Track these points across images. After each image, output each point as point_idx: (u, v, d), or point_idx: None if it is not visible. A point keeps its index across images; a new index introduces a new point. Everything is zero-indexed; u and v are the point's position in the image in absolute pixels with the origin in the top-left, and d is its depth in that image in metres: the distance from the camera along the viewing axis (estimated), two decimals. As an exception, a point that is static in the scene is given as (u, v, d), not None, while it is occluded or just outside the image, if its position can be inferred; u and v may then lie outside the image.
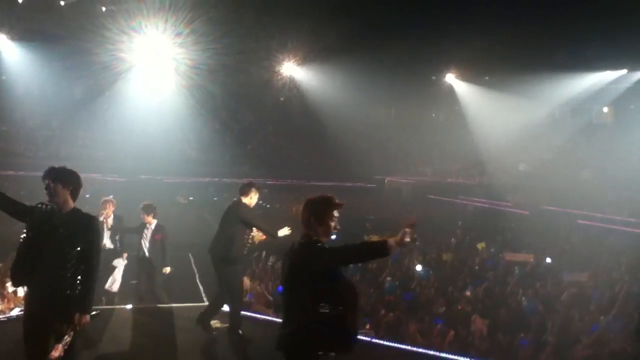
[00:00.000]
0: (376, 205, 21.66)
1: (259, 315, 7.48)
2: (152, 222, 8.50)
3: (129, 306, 7.69)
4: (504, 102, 26.85)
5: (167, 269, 8.47)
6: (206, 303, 8.57)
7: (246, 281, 8.73)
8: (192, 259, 12.00)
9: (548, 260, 11.17)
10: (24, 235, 3.89)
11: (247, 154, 26.48)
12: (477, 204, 21.73)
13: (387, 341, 6.50)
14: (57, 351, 3.85)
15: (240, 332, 6.24)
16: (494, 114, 28.04)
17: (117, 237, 8.49)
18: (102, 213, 8.29)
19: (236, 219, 6.25)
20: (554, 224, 15.91)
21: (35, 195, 16.97)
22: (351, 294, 3.50)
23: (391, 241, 3.23)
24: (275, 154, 27.31)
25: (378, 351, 6.05)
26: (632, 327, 6.93)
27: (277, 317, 7.25)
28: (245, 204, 6.35)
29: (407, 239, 3.22)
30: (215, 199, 20.98)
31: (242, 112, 29.56)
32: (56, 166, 4.20)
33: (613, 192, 19.97)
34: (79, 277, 3.85)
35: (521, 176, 24.59)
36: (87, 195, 8.25)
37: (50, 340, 3.86)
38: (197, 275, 10.82)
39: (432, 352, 6.12)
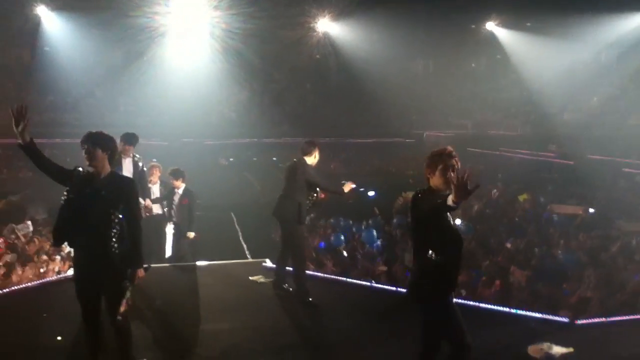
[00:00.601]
0: (415, 160, 21.52)
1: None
2: (181, 187, 8.45)
3: (176, 264, 7.94)
4: (546, 48, 25.91)
5: (192, 234, 8.35)
6: (250, 260, 8.88)
7: None
8: (234, 219, 12.32)
9: (591, 210, 10.97)
10: (65, 197, 4.01)
11: (285, 113, 26.55)
12: (519, 155, 21.32)
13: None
14: (123, 307, 4.06)
15: (309, 299, 6.13)
16: (537, 61, 27.14)
17: (164, 203, 8.47)
18: (150, 179, 8.26)
19: (302, 179, 6.20)
20: (600, 174, 15.53)
21: (81, 162, 17.69)
22: (459, 243, 3.74)
23: (449, 199, 3.33)
24: (313, 113, 27.25)
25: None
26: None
27: (318, 272, 7.44)
28: (309, 164, 6.30)
29: (463, 193, 3.26)
30: (255, 159, 21.29)
31: (278, 72, 29.45)
32: (93, 131, 4.33)
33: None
34: (125, 236, 4.00)
35: (565, 125, 23.90)
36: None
37: (100, 298, 4.08)
38: (240, 234, 11.13)
39: (474, 303, 6.18)
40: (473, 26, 29.48)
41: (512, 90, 28.04)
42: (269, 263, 7.66)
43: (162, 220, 8.49)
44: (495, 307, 5.98)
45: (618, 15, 22.93)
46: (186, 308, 6.05)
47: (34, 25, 24.28)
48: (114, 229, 3.94)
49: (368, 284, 6.96)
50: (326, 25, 28.03)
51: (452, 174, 3.49)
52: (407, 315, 5.85)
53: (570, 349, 4.58)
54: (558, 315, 5.63)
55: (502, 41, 29.10)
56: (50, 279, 7.27)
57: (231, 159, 20.67)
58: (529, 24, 27.60)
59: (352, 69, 28.49)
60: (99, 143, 4.13)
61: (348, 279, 7.18)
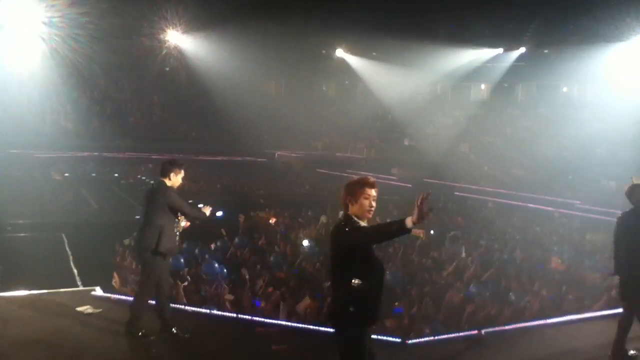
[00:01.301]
0: (267, 179, 21.55)
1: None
2: None
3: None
4: (389, 76, 27.73)
5: None
6: (80, 287, 8.04)
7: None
8: (65, 241, 11.18)
9: (431, 232, 11.65)
10: None
11: (129, 126, 25.16)
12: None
13: (273, 319, 6.46)
14: None
15: (174, 330, 5.59)
16: (381, 89, 28.94)
17: None
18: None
19: (163, 203, 5.56)
20: (434, 196, 16.71)
21: None
22: (380, 270, 3.78)
23: (408, 220, 3.43)
24: (161, 127, 26.22)
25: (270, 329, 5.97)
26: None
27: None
28: (169, 186, 5.64)
29: (422, 215, 3.41)
30: (93, 174, 19.78)
31: (123, 81, 27.96)
32: None
33: (487, 165, 21.47)
34: None
35: (406, 150, 25.63)
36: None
37: None
38: (71, 258, 10.11)
39: (322, 329, 6.14)
40: (324, 51, 30.62)
41: (358, 115, 29.47)
42: (99, 291, 6.97)
43: None
44: (322, 329, 5.98)
45: (454, 50, 25.27)
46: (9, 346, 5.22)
47: None
48: None
49: (207, 311, 6.61)
50: (177, 38, 27.21)
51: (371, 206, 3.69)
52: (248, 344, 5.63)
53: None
54: (390, 335, 5.79)
55: (350, 67, 30.60)
56: None
57: (66, 174, 18.95)
58: (374, 53, 29.35)
59: (203, 84, 27.95)
60: None
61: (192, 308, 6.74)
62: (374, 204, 3.76)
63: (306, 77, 31.79)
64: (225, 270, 9.08)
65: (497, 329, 6.12)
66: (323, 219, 12.91)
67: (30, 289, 6.93)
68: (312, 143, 28.64)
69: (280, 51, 27.91)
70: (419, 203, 3.44)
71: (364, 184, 3.81)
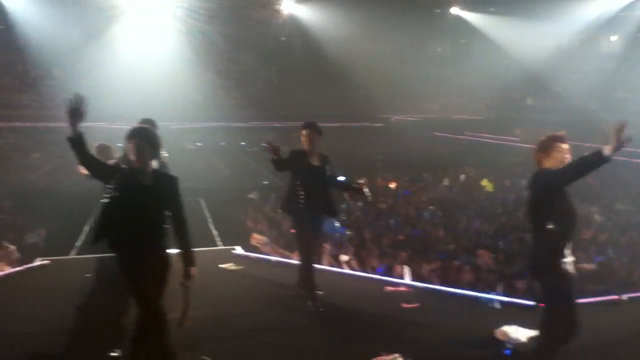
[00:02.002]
0: (383, 144, 21.67)
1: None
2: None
3: None
4: (510, 33, 26.33)
5: None
6: (220, 247, 8.82)
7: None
8: (203, 204, 12.17)
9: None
10: (110, 195, 3.88)
11: (250, 96, 26.32)
12: (484, 139, 21.70)
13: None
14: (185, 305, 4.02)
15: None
16: (501, 46, 27.60)
17: None
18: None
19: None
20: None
21: (46, 146, 17.05)
22: (574, 217, 3.94)
23: (605, 149, 3.54)
24: (279, 96, 27.10)
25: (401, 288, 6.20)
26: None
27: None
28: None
29: (620, 144, 3.52)
30: (222, 143, 21.03)
31: (243, 54, 29.13)
32: (140, 126, 4.23)
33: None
34: (177, 234, 3.95)
35: (529, 110, 24.43)
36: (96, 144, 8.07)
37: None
38: (209, 221, 11.01)
39: (442, 288, 6.31)
40: (438, 10, 29.75)
41: (476, 75, 28.43)
42: (239, 250, 7.63)
43: None
44: (463, 292, 6.12)
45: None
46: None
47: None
48: (163, 227, 3.90)
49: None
50: (291, 7, 27.82)
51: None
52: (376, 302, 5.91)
53: (536, 332, 4.73)
54: (524, 299, 5.80)
55: (466, 25, 29.47)
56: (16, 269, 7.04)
57: (198, 143, 20.40)
58: (492, 8, 28.00)
59: (318, 51, 28.38)
60: (149, 139, 3.96)
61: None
62: (567, 156, 3.93)
63: (420, 38, 31.07)
64: (347, 232, 9.45)
65: (637, 294, 5.96)
66: (445, 181, 12.90)
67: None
68: (428, 106, 28.18)
69: (393, 14, 27.53)
70: (615, 132, 3.50)
71: (555, 139, 3.99)
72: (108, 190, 3.91)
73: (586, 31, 26.15)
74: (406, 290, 6.13)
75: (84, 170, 4.26)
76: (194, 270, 4.04)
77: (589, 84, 24.11)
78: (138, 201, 3.84)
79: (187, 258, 4.02)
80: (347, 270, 7.10)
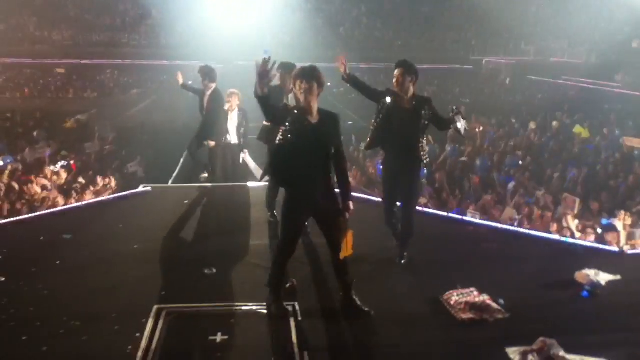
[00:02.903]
0: (473, 88, 21.03)
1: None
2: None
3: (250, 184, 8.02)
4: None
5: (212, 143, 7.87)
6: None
7: None
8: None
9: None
10: (283, 135, 4.01)
11: (339, 36, 26.14)
12: (582, 85, 20.47)
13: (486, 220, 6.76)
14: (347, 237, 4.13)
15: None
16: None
17: (242, 132, 8.11)
18: (227, 105, 8.00)
19: None
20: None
21: (143, 82, 18.04)
22: None
23: None
24: (368, 36, 26.73)
25: (481, 230, 6.26)
26: None
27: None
28: None
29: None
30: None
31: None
32: (305, 65, 4.12)
33: None
34: (338, 169, 4.10)
35: (634, 53, 22.60)
36: (190, 82, 8.45)
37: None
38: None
39: (527, 231, 6.30)
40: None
41: (578, 16, 26.53)
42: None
43: (237, 150, 8.25)
44: (547, 236, 6.09)
45: None
46: (244, 223, 6.32)
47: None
48: (329, 163, 4.03)
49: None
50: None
51: None
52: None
53: (617, 276, 4.68)
54: (608, 245, 5.70)
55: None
56: (110, 197, 7.66)
57: (286, 83, 20.72)
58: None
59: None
60: (316, 78, 3.98)
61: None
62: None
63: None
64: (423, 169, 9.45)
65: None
66: (532, 124, 12.50)
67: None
68: (524, 48, 26.79)
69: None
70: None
71: None
72: (283, 130, 4.04)
73: None
74: (487, 232, 6.17)
75: None
76: (352, 205, 4.15)
77: None
78: (308, 141, 3.96)
79: (348, 193, 4.17)
80: (428, 209, 7.21)
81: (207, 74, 7.62)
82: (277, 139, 4.10)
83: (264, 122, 5.51)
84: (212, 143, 7.84)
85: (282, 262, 4.22)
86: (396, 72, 4.98)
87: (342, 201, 4.14)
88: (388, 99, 4.98)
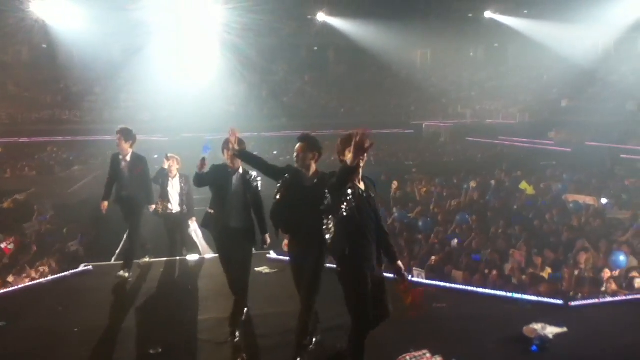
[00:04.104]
0: (415, 150, 21.66)
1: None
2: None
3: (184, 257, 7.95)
4: (544, 35, 26.09)
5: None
6: (254, 252, 9.00)
7: None
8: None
9: (604, 201, 10.97)
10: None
11: (283, 106, 26.69)
12: (517, 143, 21.46)
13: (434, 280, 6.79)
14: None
15: None
16: (535, 49, 27.34)
17: (184, 199, 7.74)
18: (170, 171, 7.70)
19: None
20: (599, 160, 15.63)
21: (85, 158, 17.56)
22: None
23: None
24: (312, 105, 27.41)
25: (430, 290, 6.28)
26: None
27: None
28: None
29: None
30: (255, 153, 21.38)
31: (275, 65, 29.61)
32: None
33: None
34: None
35: (564, 112, 24.04)
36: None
37: None
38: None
39: (472, 288, 6.36)
40: (470, 15, 29.65)
41: (510, 78, 28.21)
42: (273, 254, 7.83)
43: (181, 219, 7.84)
44: (493, 292, 6.16)
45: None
46: (191, 298, 6.19)
47: (31, 22, 24.43)
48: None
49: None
50: (323, 17, 28.20)
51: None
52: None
53: (564, 329, 4.76)
54: (553, 298, 5.82)
55: (500, 29, 29.29)
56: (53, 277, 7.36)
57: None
58: (526, 11, 27.77)
59: (350, 59, 28.66)
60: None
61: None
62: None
63: (453, 43, 31.03)
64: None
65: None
66: (472, 183, 12.86)
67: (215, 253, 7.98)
68: (461, 111, 28.06)
69: (424, 19, 27.62)
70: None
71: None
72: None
73: (623, 32, 25.65)
74: (437, 291, 6.20)
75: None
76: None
77: (627, 84, 23.59)
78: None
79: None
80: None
81: (127, 134, 6.97)
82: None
83: (208, 209, 5.33)
84: (153, 207, 7.39)
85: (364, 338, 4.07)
86: (297, 146, 4.60)
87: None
88: (287, 176, 4.63)
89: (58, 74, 25.52)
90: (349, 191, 3.88)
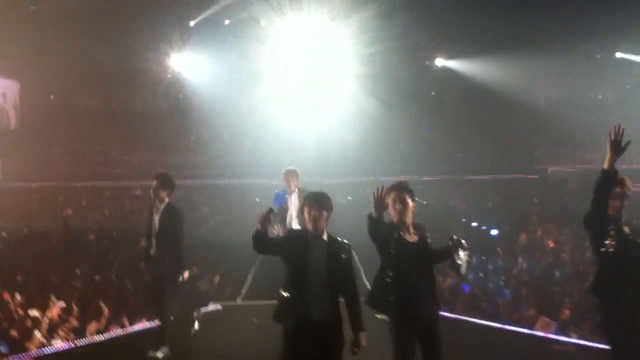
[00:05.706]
0: (539, 197, 20.64)
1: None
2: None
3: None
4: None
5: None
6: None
7: None
8: (355, 257, 12.49)
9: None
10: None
11: (400, 151, 26.72)
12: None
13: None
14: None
15: None
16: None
17: None
18: (287, 187, 7.66)
19: None
20: None
21: (213, 202, 18.52)
22: None
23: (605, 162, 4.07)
24: (428, 149, 27.16)
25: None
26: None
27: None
28: None
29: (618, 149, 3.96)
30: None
31: (394, 109, 29.85)
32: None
33: None
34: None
35: None
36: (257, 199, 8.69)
37: None
38: (362, 272, 11.26)
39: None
40: (599, 56, 28.22)
41: (643, 122, 26.19)
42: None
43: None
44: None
45: None
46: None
47: (171, 75, 26.86)
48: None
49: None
50: (441, 61, 28.21)
51: None
52: None
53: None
54: None
55: (632, 70, 27.52)
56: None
57: (349, 198, 21.09)
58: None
59: (468, 102, 28.20)
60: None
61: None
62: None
63: (579, 85, 29.53)
64: (506, 292, 9.12)
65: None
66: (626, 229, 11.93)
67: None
68: (589, 156, 26.38)
69: (547, 61, 26.70)
70: (612, 137, 3.46)
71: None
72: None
73: None
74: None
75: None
76: (365, 337, 4.06)
77: None
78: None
79: (359, 323, 4.11)
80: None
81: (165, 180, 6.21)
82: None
83: (281, 291, 4.17)
84: (187, 274, 6.55)
85: None
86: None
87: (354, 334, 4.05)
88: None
89: (190, 122, 27.63)
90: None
